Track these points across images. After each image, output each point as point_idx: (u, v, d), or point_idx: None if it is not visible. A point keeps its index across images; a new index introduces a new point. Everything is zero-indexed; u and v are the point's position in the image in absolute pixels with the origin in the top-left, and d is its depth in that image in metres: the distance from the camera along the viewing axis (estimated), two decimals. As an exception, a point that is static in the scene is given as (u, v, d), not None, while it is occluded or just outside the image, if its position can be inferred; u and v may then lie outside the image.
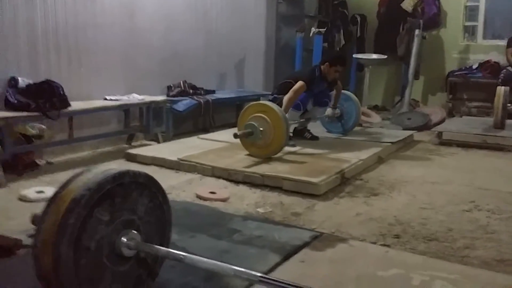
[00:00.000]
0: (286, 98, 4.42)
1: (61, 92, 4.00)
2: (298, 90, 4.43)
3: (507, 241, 2.56)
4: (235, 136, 4.01)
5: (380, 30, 8.16)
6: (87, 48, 4.64)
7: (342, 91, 5.33)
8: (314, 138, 4.94)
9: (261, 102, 4.42)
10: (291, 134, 4.68)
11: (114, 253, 1.71)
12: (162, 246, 1.87)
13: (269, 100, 4.86)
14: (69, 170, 3.67)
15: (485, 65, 7.28)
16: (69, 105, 4.06)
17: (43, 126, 3.99)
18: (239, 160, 3.99)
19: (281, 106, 4.35)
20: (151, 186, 1.83)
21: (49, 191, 2.83)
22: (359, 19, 8.26)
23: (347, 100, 5.21)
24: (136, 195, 1.78)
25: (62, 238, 1.55)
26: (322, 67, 4.68)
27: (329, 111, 5.01)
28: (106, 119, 4.85)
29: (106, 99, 4.70)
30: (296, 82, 4.48)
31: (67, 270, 1.56)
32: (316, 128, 5.20)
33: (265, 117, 3.96)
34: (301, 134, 4.94)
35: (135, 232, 1.76)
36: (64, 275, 1.56)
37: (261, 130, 3.95)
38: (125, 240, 1.72)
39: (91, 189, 1.61)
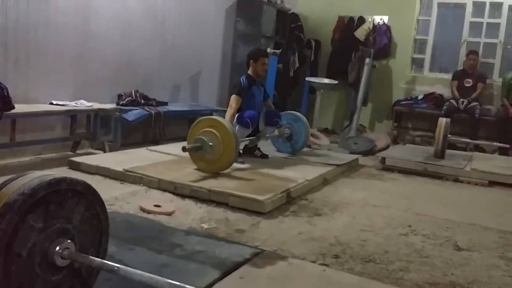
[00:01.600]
0: (226, 115, 4.55)
1: (6, 93, 3.84)
2: (232, 104, 4.60)
3: (440, 266, 2.66)
4: (184, 149, 3.99)
5: (333, 56, 8.42)
6: (37, 49, 4.50)
7: (293, 112, 5.46)
8: (264, 156, 4.99)
9: (212, 117, 4.43)
10: (241, 151, 4.72)
11: (46, 262, 1.66)
12: (98, 257, 1.82)
13: None
14: (8, 175, 3.49)
15: (430, 97, 7.63)
16: (13, 107, 3.90)
17: (-18, 127, 3.82)
18: (187, 174, 3.96)
19: None
20: (89, 195, 1.79)
21: (-18, 196, 2.69)
22: (313, 43, 8.49)
23: (297, 121, 5.31)
24: (72, 203, 1.74)
25: (-9, 244, 1.48)
26: (248, 71, 4.85)
27: (276, 131, 5.11)
28: (51, 124, 4.70)
29: (52, 103, 4.56)
30: None
31: (-4, 277, 1.50)
32: (266, 147, 5.26)
33: (215, 132, 3.96)
34: (251, 152, 4.98)
35: (69, 241, 1.71)
36: (-8, 281, 1.50)
37: (210, 145, 3.95)
38: (58, 249, 1.67)
39: (25, 194, 1.56)
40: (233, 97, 4.65)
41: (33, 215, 1.60)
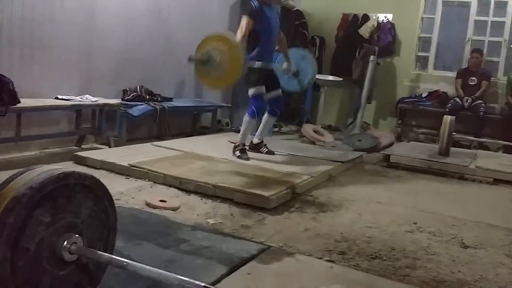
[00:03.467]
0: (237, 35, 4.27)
1: (11, 88, 3.84)
2: (242, 27, 4.30)
3: (446, 263, 2.65)
4: (190, 59, 3.72)
5: (337, 53, 8.39)
6: (42, 44, 4.49)
7: (300, 49, 5.32)
8: (270, 153, 4.96)
9: (221, 34, 4.10)
10: (247, 147, 4.70)
11: (54, 257, 1.65)
12: (106, 252, 1.82)
13: None
14: (14, 169, 3.48)
15: (434, 94, 7.61)
16: (19, 101, 3.90)
17: (-12, 122, 3.82)
18: (192, 169, 3.95)
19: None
20: (97, 189, 1.78)
21: (-12, 190, 2.69)
22: (318, 41, 8.46)
23: (304, 58, 5.22)
24: (80, 198, 1.72)
25: (-1, 238, 1.48)
26: None
27: (284, 65, 4.99)
28: (56, 119, 4.69)
29: (57, 98, 4.55)
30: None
31: (4, 271, 1.50)
32: (271, 142, 5.25)
33: (223, 47, 3.68)
34: (257, 149, 4.95)
35: (77, 236, 1.70)
36: (0, 276, 1.49)
37: (217, 62, 3.64)
38: (66, 243, 1.66)
39: (33, 188, 1.55)
40: (244, 18, 4.33)
41: (41, 209, 1.59)
